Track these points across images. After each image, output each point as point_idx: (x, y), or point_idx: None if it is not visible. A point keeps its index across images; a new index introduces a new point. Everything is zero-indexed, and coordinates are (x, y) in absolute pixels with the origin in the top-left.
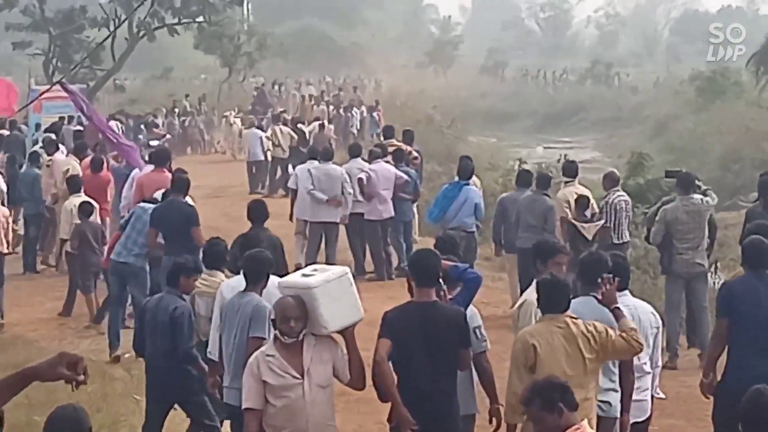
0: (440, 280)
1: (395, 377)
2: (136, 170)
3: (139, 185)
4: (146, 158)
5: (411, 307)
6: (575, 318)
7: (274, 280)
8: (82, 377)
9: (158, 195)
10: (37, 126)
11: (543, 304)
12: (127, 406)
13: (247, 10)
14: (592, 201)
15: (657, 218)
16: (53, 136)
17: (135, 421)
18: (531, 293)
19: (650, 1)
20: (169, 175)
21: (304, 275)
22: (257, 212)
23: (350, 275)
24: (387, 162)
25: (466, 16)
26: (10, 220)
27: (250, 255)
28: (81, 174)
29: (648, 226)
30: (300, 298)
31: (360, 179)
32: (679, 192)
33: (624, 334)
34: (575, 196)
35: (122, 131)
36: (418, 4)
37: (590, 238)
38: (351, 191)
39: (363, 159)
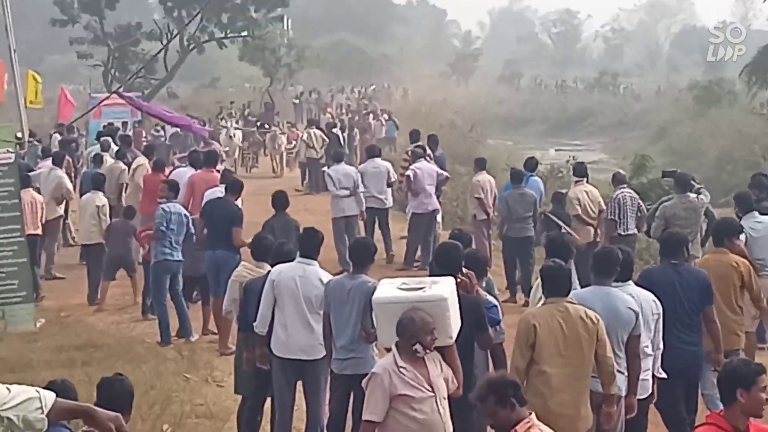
0: (462, 269)
1: None
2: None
3: (190, 184)
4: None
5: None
6: (575, 303)
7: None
8: None
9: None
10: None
11: (546, 289)
12: (178, 384)
13: (287, 25)
14: (599, 198)
15: (657, 214)
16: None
17: (185, 398)
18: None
19: (652, 17)
20: (218, 175)
21: (409, 288)
22: (279, 201)
23: (453, 281)
24: (428, 161)
25: (485, 31)
26: (44, 206)
27: (356, 242)
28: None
29: (648, 222)
30: (426, 311)
31: (408, 176)
32: (676, 191)
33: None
34: (582, 199)
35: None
36: (441, 19)
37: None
38: (363, 188)
39: (381, 159)
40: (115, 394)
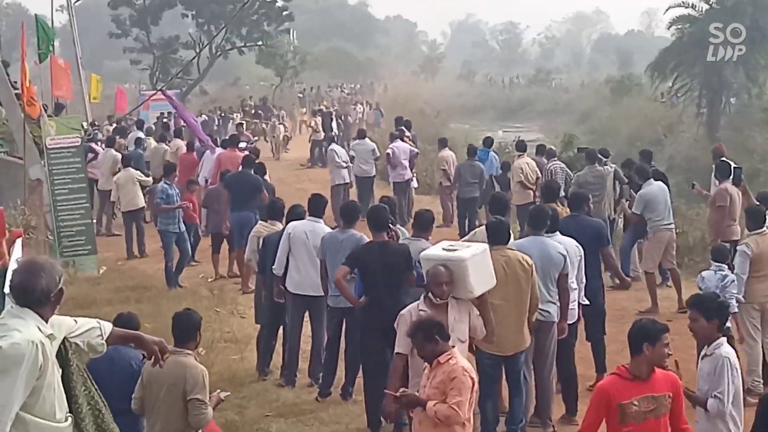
0: (389, 226)
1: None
2: (216, 151)
3: (218, 161)
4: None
5: (372, 244)
6: (514, 250)
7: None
8: (163, 360)
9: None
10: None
11: (490, 239)
12: (210, 316)
13: (293, 36)
14: (536, 168)
15: (572, 181)
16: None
17: (215, 327)
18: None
19: (577, 27)
20: (240, 154)
21: (447, 249)
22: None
23: (488, 250)
24: (403, 141)
25: (446, 39)
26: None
27: (345, 204)
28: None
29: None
30: (449, 268)
31: (387, 154)
32: (587, 163)
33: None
34: (526, 170)
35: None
36: (412, 30)
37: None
38: (348, 162)
39: (370, 140)
40: (186, 324)
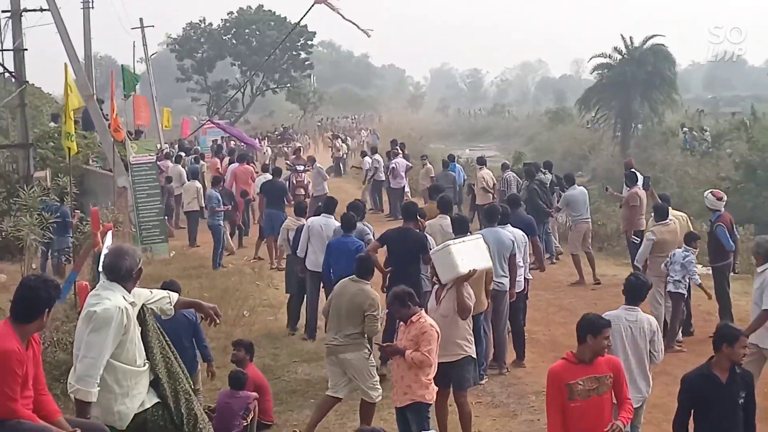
0: (417, 218)
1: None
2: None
3: (233, 174)
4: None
5: (401, 228)
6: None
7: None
8: (218, 320)
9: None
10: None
11: (455, 229)
12: (253, 290)
13: (313, 80)
14: (493, 177)
15: (522, 188)
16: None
17: (256, 295)
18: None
19: (524, 72)
20: (250, 167)
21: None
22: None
23: (482, 240)
24: (400, 158)
25: (427, 81)
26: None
27: (345, 216)
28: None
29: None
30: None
31: (392, 167)
32: (526, 176)
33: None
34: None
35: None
36: (402, 75)
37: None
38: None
39: (376, 157)
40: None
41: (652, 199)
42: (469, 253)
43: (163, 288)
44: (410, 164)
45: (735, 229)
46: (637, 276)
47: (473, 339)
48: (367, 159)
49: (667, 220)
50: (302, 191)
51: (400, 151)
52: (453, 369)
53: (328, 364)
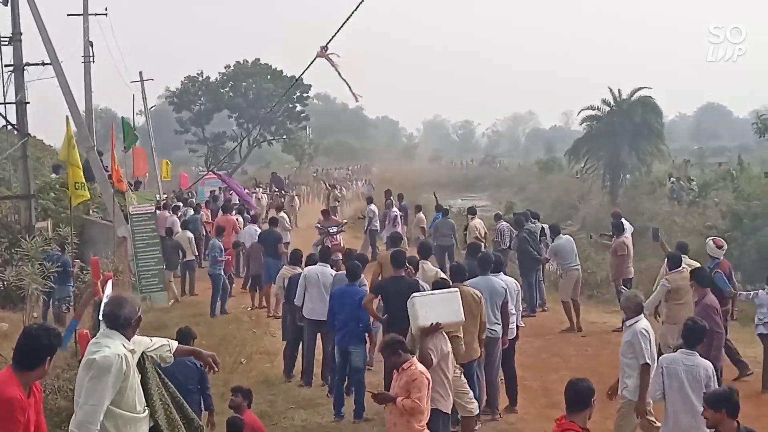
0: (407, 266)
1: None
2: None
3: (216, 224)
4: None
5: (394, 277)
6: (468, 286)
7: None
8: (216, 368)
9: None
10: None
11: (451, 277)
12: (250, 337)
13: (309, 131)
14: (484, 226)
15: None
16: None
17: (253, 343)
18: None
19: (515, 123)
20: (233, 218)
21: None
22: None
23: (457, 294)
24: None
25: (420, 133)
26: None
27: (350, 265)
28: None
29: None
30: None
31: (395, 216)
32: (515, 226)
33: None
34: (478, 227)
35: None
36: (395, 126)
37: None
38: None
39: (372, 207)
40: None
41: (663, 249)
42: (434, 306)
43: (179, 335)
44: (401, 214)
45: (733, 276)
46: (695, 320)
47: (450, 393)
48: (372, 207)
49: (681, 268)
50: (340, 255)
51: (393, 201)
52: None
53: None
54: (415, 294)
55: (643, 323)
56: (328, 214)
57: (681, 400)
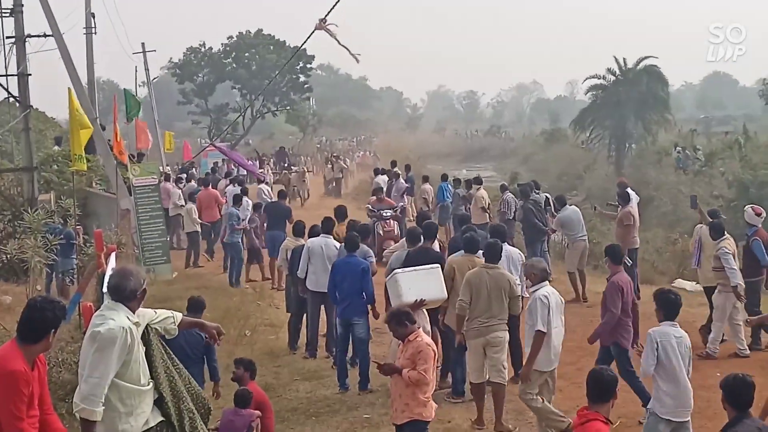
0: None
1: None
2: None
3: (198, 198)
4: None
5: (421, 248)
6: (480, 257)
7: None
8: (220, 340)
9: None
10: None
11: (464, 247)
12: (254, 310)
13: (312, 102)
14: (488, 197)
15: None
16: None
17: (257, 315)
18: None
19: (519, 93)
20: (215, 192)
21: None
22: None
23: (439, 270)
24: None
25: (424, 104)
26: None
27: (349, 236)
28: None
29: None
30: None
31: (403, 188)
32: (521, 196)
33: None
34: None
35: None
36: (399, 97)
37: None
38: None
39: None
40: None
41: (702, 216)
42: (418, 283)
43: (189, 305)
44: (408, 185)
45: None
46: (673, 292)
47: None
48: (382, 177)
49: (726, 236)
50: (392, 243)
51: (399, 173)
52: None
53: (473, 348)
54: (396, 270)
55: (544, 290)
56: (380, 193)
57: (679, 370)
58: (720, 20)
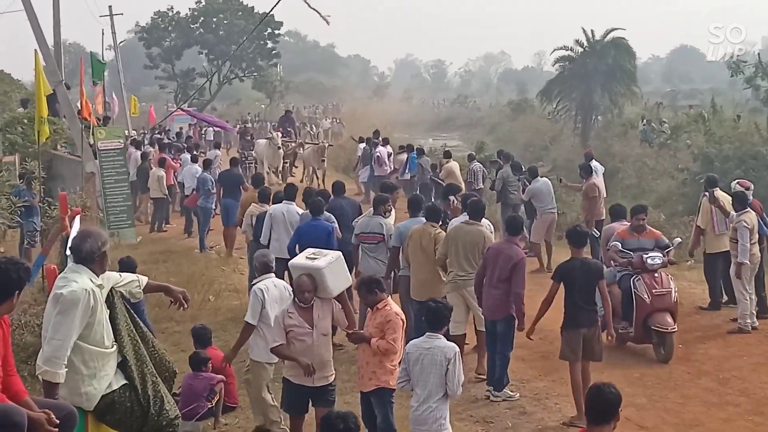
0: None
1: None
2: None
3: (167, 168)
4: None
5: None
6: (435, 226)
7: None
8: (186, 305)
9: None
10: (170, 129)
11: (426, 216)
12: (218, 272)
13: (279, 69)
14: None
15: (497, 177)
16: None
17: (221, 280)
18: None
19: (487, 63)
20: (176, 165)
21: (309, 258)
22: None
23: (341, 257)
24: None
25: (392, 72)
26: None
27: (314, 200)
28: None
29: (492, 181)
30: (312, 276)
31: (377, 156)
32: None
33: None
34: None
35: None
36: (366, 65)
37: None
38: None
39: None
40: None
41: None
42: (339, 274)
43: (120, 265)
44: (389, 151)
45: (764, 217)
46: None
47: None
48: (362, 145)
49: (748, 208)
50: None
51: (385, 140)
52: (318, 392)
53: (452, 300)
54: (318, 264)
55: (264, 283)
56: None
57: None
58: None
